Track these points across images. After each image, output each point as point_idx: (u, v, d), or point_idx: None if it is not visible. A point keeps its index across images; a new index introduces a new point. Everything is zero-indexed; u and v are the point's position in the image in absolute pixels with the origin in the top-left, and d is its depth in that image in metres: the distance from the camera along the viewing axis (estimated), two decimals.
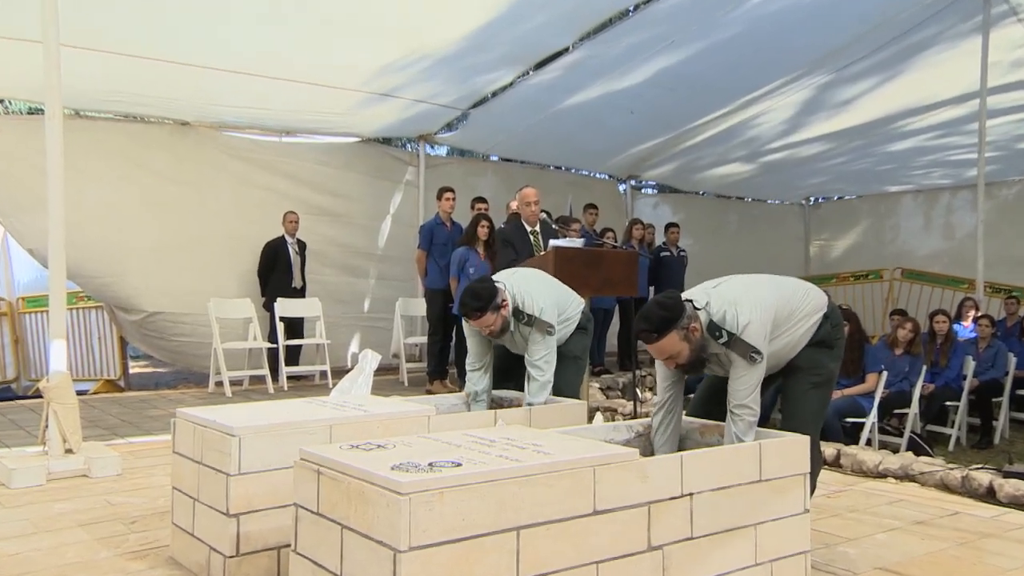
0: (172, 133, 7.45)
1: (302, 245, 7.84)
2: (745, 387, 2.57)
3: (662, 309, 2.54)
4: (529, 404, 3.38)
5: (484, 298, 3.33)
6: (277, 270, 7.59)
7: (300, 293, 7.73)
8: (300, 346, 7.58)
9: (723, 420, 2.67)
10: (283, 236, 7.67)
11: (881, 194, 12.21)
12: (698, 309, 2.60)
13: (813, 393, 2.78)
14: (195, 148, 7.52)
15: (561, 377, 3.64)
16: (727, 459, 2.33)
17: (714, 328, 2.58)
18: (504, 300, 3.39)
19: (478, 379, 3.55)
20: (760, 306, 2.62)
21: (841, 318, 2.89)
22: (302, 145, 8.23)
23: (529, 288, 3.50)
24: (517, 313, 3.42)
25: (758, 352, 2.56)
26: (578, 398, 3.65)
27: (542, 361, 3.41)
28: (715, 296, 2.64)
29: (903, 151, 9.98)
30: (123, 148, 7.16)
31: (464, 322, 3.51)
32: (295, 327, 7.57)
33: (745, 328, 2.55)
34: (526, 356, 3.46)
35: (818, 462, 2.89)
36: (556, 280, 3.86)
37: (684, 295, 2.66)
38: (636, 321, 2.59)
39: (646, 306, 2.59)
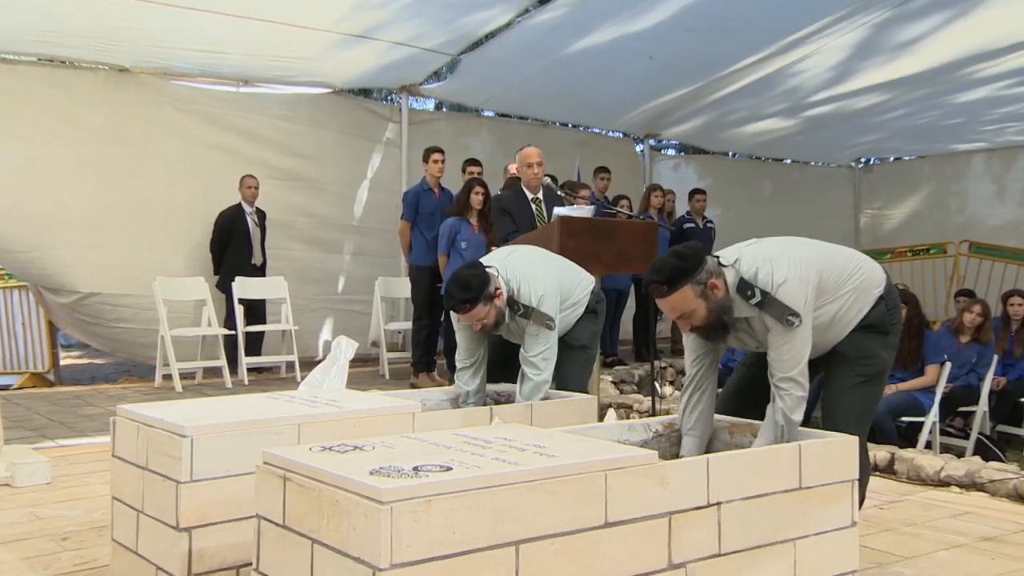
0: (108, 81, 7.41)
1: (261, 215, 7.83)
2: (788, 357, 2.56)
3: (677, 259, 2.56)
4: (532, 384, 3.39)
5: (474, 288, 3.32)
6: (233, 244, 7.59)
7: (260, 271, 7.74)
8: (263, 333, 7.60)
9: (756, 419, 2.69)
10: (240, 204, 7.66)
11: (947, 154, 12.18)
12: (724, 266, 2.61)
13: (861, 388, 2.79)
14: (136, 100, 7.48)
15: (566, 369, 3.66)
16: (761, 463, 2.34)
17: (745, 286, 2.59)
18: (498, 289, 3.38)
19: (468, 378, 3.55)
20: (800, 264, 2.62)
21: (898, 299, 2.89)
22: (263, 97, 8.19)
23: (527, 272, 3.49)
24: (512, 303, 3.42)
25: (795, 315, 2.54)
26: (586, 392, 3.66)
27: (539, 358, 3.42)
28: (747, 253, 2.65)
29: (974, 102, 9.93)
30: (50, 99, 7.12)
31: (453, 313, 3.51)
32: (256, 311, 7.58)
33: (781, 286, 2.56)
34: (521, 351, 3.46)
35: (866, 468, 2.90)
36: (560, 257, 3.86)
37: (712, 254, 2.68)
38: (647, 273, 2.60)
39: (660, 257, 2.62)
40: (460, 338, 3.56)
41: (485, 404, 3.55)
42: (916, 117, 10.54)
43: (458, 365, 3.59)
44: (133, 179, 7.41)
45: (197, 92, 7.84)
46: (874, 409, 2.88)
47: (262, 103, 8.17)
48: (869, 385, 2.79)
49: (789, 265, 2.59)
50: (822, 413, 2.90)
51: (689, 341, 2.76)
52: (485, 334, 3.49)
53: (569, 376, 3.70)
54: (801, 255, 2.66)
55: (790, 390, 2.56)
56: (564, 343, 3.65)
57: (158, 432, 2.61)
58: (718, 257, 2.64)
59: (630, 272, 6.85)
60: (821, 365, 2.83)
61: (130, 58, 7.34)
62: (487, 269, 3.41)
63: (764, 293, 2.57)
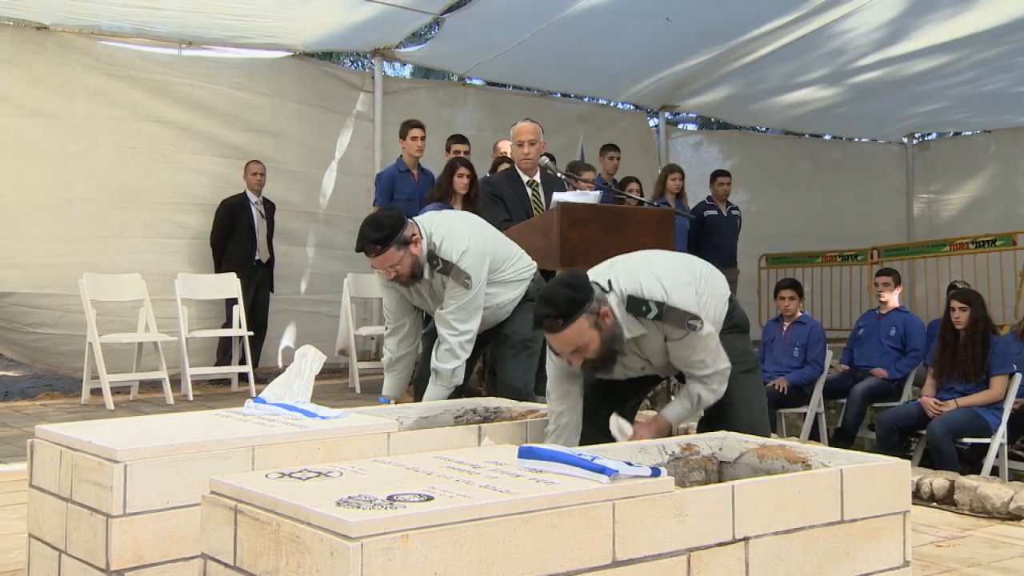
0: (24, 41, 7.38)
1: (269, 206, 8.07)
2: (702, 356, 3.04)
3: (568, 289, 2.85)
4: (434, 370, 3.77)
5: (386, 228, 3.62)
6: (236, 237, 7.85)
7: (267, 268, 8.02)
8: (227, 339, 7.78)
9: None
10: (244, 193, 7.92)
11: (1018, 128, 12.19)
12: (605, 291, 2.93)
13: (745, 378, 3.27)
14: (57, 63, 7.46)
15: (505, 367, 3.95)
16: (795, 491, 2.34)
17: (637, 303, 2.90)
18: (415, 235, 3.69)
19: (394, 346, 3.97)
20: (674, 271, 3.08)
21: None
22: (211, 62, 8.18)
23: (451, 228, 3.82)
24: (432, 258, 3.73)
25: (696, 317, 2.95)
26: (531, 398, 3.80)
27: (454, 318, 3.73)
28: (616, 274, 2.99)
29: None
30: None
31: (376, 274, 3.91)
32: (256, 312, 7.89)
33: (672, 293, 2.94)
34: (437, 311, 3.80)
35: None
36: (497, 231, 4.15)
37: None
38: (536, 306, 2.89)
39: (547, 287, 2.94)
40: (385, 300, 3.96)
41: (473, 417, 3.56)
42: (982, 83, 10.54)
43: (385, 334, 4.01)
44: (55, 157, 7.39)
45: (131, 55, 7.82)
46: (765, 400, 3.50)
47: (209, 69, 8.15)
48: (752, 376, 3.35)
49: (667, 274, 2.98)
50: (715, 418, 3.26)
51: (556, 379, 3.14)
52: (404, 286, 3.82)
53: (509, 375, 3.96)
54: (667, 263, 3.15)
55: (713, 381, 3.10)
56: (503, 338, 3.95)
57: (85, 457, 2.60)
58: (596, 283, 2.95)
59: None
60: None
61: (49, 13, 7.31)
62: (406, 216, 3.74)
63: (660, 304, 2.92)
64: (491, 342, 4.20)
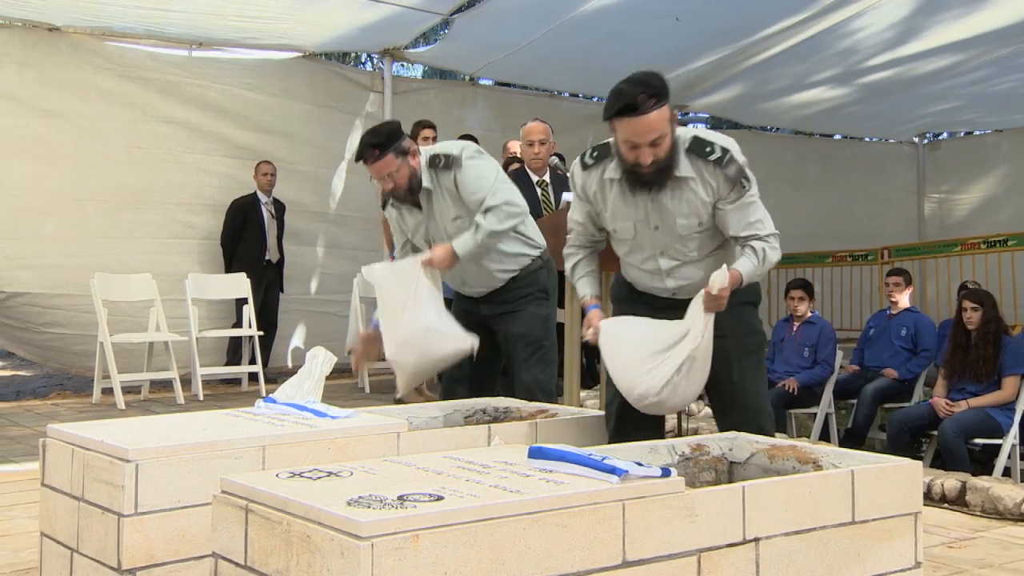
0: (36, 43, 7.42)
1: (279, 206, 8.12)
2: (763, 217, 3.04)
3: (657, 76, 2.81)
4: (476, 223, 3.63)
5: (384, 135, 3.64)
6: (246, 237, 7.90)
7: (276, 268, 8.06)
8: (237, 339, 7.81)
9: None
10: (255, 194, 7.98)
11: None
12: None
13: (752, 360, 3.22)
14: (68, 64, 7.49)
15: (520, 369, 3.81)
16: (806, 492, 2.33)
17: (702, 144, 2.90)
18: (414, 149, 3.71)
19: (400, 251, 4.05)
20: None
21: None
22: (221, 62, 8.21)
23: (451, 143, 3.89)
24: (432, 162, 3.73)
25: (749, 179, 2.98)
26: (551, 398, 3.72)
27: (497, 198, 3.66)
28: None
29: None
30: None
31: (383, 209, 3.91)
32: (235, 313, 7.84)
33: (734, 148, 2.96)
34: (479, 214, 3.70)
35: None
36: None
37: None
38: (626, 87, 2.78)
39: (632, 75, 2.82)
40: (394, 235, 3.98)
41: (484, 417, 3.55)
42: (993, 83, 10.51)
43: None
44: (66, 158, 7.42)
45: (142, 56, 7.85)
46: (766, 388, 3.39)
47: (220, 70, 8.18)
48: (758, 359, 3.28)
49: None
50: (717, 407, 3.27)
51: (580, 207, 3.21)
52: (401, 203, 3.80)
53: (524, 376, 3.81)
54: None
55: (773, 240, 3.05)
56: (513, 338, 3.82)
57: (97, 456, 2.61)
58: None
59: None
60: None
61: (60, 15, 7.34)
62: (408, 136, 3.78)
63: (725, 150, 2.92)
64: (502, 344, 4.04)
